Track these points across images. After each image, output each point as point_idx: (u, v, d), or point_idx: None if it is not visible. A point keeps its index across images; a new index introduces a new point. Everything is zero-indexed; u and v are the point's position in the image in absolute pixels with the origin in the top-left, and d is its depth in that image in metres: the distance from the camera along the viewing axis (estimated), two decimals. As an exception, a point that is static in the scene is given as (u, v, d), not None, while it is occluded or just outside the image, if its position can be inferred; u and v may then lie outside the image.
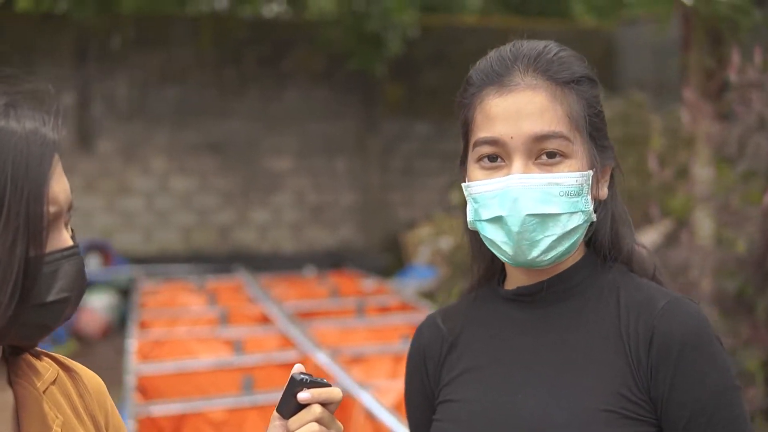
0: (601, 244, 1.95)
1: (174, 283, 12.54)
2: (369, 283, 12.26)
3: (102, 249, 14.23)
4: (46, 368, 1.69)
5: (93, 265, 13.94)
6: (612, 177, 1.98)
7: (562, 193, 1.83)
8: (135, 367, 7.01)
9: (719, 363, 1.82)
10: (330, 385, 1.70)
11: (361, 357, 7.23)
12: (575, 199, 1.84)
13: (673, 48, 10.30)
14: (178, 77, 15.58)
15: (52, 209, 1.47)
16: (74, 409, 1.69)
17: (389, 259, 15.48)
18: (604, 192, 1.94)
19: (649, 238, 7.73)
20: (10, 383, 1.60)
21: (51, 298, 1.47)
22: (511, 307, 1.97)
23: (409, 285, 12.74)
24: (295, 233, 15.98)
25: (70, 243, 1.53)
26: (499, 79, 1.89)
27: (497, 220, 1.85)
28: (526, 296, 1.95)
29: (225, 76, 15.76)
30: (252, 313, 9.99)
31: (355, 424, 5.74)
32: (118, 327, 11.93)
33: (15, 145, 1.43)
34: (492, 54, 1.95)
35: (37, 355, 1.69)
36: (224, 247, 15.68)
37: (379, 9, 14.62)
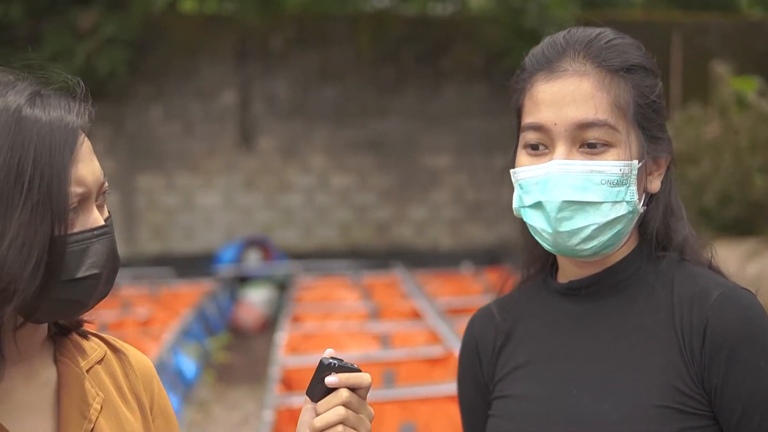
0: (651, 236, 1.91)
1: (331, 279, 12.74)
2: (524, 280, 12.18)
3: (262, 244, 14.52)
4: (94, 348, 1.75)
5: (253, 260, 14.24)
6: (668, 170, 1.93)
7: (603, 182, 1.79)
8: (281, 359, 7.15)
9: None
10: (359, 371, 1.70)
11: (507, 353, 7.19)
12: (618, 189, 1.80)
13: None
14: (337, 76, 15.79)
15: (79, 190, 1.54)
16: (118, 388, 1.73)
17: (547, 257, 15.36)
18: (656, 185, 1.90)
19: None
20: (56, 362, 1.68)
21: (81, 274, 1.53)
22: (564, 301, 1.94)
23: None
24: (453, 230, 16.01)
25: (101, 223, 1.58)
26: (548, 65, 1.87)
27: (538, 205, 1.83)
28: (578, 290, 1.93)
29: (383, 75, 15.89)
30: (403, 308, 10.06)
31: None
32: (275, 321, 12.18)
33: (38, 132, 1.51)
34: (546, 40, 1.94)
35: (86, 336, 1.76)
36: (382, 243, 15.82)
37: (536, 5, 14.53)
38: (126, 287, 12.11)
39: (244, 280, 13.78)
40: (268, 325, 12.34)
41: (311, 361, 7.10)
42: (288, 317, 9.52)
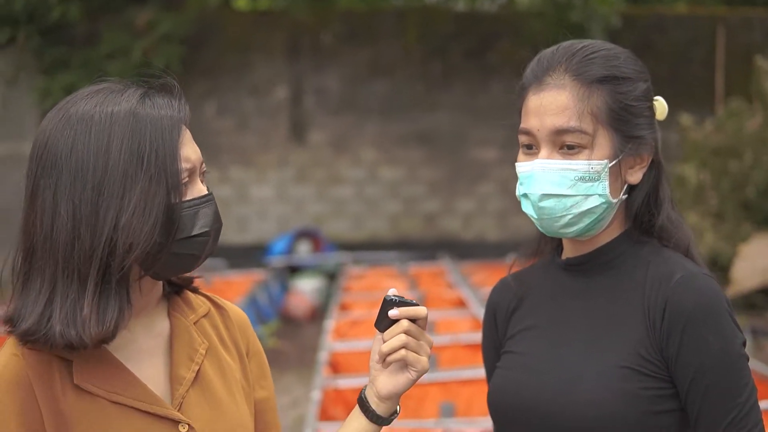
0: (635, 223, 2.26)
1: (379, 269, 13.01)
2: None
3: (313, 236, 14.80)
4: (200, 304, 2.13)
5: (303, 251, 14.55)
6: (655, 162, 2.25)
7: (576, 178, 2.13)
8: (329, 344, 7.47)
9: (725, 333, 2.09)
10: (418, 305, 2.05)
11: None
12: (589, 184, 2.13)
13: None
14: (386, 71, 16.07)
15: (187, 166, 1.92)
16: (220, 337, 2.12)
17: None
18: (636, 177, 2.22)
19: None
20: (169, 316, 2.07)
21: (195, 232, 1.91)
22: (565, 275, 2.30)
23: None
24: (499, 222, 16.23)
25: (206, 192, 1.96)
26: (536, 79, 2.22)
27: (526, 196, 2.20)
28: (575, 266, 2.29)
29: (431, 69, 16.15)
30: (449, 297, 10.32)
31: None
32: (324, 309, 12.49)
33: (151, 121, 1.90)
34: (538, 55, 2.28)
35: (196, 291, 2.16)
36: (430, 234, 16.09)
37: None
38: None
39: (294, 270, 14.09)
40: (317, 314, 12.60)
41: (358, 346, 7.42)
42: (336, 305, 9.82)
